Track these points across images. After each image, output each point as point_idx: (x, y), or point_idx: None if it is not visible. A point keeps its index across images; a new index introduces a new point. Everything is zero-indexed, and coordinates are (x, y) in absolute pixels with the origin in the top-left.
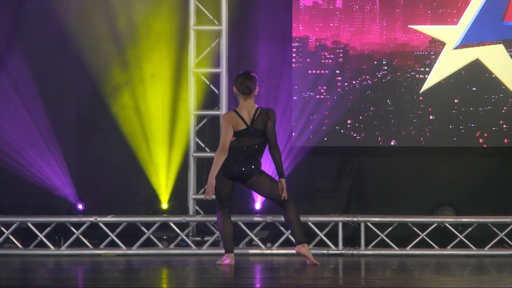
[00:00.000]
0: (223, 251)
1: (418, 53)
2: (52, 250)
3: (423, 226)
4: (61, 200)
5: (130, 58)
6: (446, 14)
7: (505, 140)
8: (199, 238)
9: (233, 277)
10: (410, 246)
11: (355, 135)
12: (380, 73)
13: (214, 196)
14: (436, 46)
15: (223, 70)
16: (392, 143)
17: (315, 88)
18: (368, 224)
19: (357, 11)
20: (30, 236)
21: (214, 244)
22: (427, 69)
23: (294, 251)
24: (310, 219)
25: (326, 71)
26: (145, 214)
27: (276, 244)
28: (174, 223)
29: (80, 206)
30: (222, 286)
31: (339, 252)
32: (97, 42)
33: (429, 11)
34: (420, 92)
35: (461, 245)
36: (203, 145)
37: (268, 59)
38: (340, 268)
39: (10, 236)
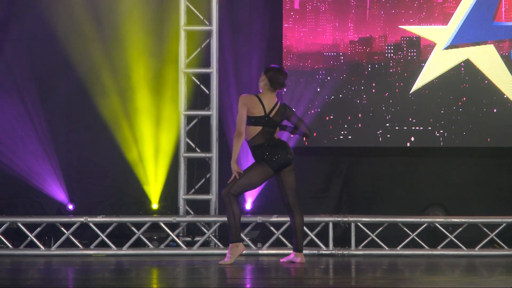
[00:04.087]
0: (213, 251)
1: (408, 53)
2: (42, 250)
3: (413, 226)
4: (51, 201)
5: (120, 57)
6: (400, 14)
7: (494, 140)
8: (190, 239)
9: (223, 277)
10: (400, 246)
11: (345, 135)
12: (372, 73)
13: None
14: (423, 47)
15: (213, 70)
16: (383, 143)
17: (304, 88)
18: (359, 224)
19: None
20: (20, 236)
21: (205, 245)
22: (417, 69)
23: (284, 251)
24: None
25: (316, 71)
26: (136, 214)
27: (267, 244)
28: (165, 224)
29: (70, 207)
30: (212, 287)
31: (329, 252)
32: (86, 42)
33: (382, 12)
34: (411, 92)
35: (451, 245)
36: (193, 145)
37: (260, 60)
38: (330, 269)
39: (0, 236)
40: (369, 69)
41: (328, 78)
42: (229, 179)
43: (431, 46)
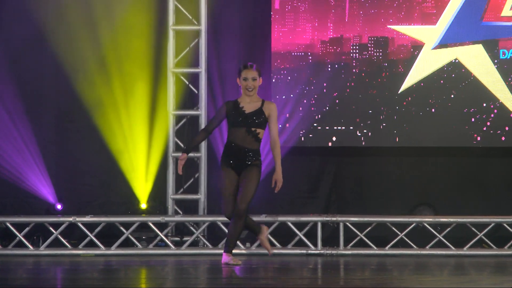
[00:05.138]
0: (202, 251)
1: (374, 53)
2: (31, 250)
3: (401, 226)
4: (39, 200)
5: (108, 58)
6: (380, 14)
7: (484, 140)
8: (178, 238)
9: (212, 277)
10: (389, 246)
11: (334, 135)
12: (361, 73)
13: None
14: (397, 47)
15: (202, 70)
16: (372, 143)
17: (293, 88)
18: (347, 224)
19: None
20: (9, 236)
21: (193, 244)
22: (404, 69)
23: (274, 251)
24: (289, 219)
25: (305, 71)
26: (124, 214)
27: (255, 244)
28: (153, 223)
29: (59, 206)
30: (201, 287)
31: (318, 252)
32: (74, 42)
33: (361, 12)
34: (399, 92)
35: (440, 245)
36: (182, 145)
37: (249, 60)
38: (319, 268)
39: None
40: (329, 69)
41: (289, 78)
42: (220, 182)
43: (404, 46)
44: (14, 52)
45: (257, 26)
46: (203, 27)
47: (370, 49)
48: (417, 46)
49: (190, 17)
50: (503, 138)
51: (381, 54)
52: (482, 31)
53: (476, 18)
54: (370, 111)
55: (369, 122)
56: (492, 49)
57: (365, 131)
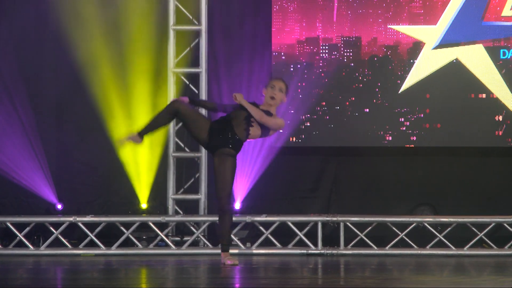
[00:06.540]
0: (202, 251)
1: (344, 53)
2: (31, 250)
3: (402, 226)
4: (40, 200)
5: (108, 57)
6: (368, 14)
7: (484, 140)
8: (179, 238)
9: (213, 277)
10: (389, 245)
11: (334, 135)
12: (361, 73)
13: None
14: (379, 47)
15: (202, 70)
16: (371, 143)
17: (293, 87)
18: (347, 223)
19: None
20: (9, 236)
21: (194, 244)
22: (407, 69)
23: (274, 251)
24: (290, 219)
25: (304, 69)
26: (125, 214)
27: (256, 244)
28: (154, 223)
29: (59, 206)
30: (201, 287)
31: (318, 252)
32: (76, 40)
33: (349, 12)
34: (399, 92)
35: (440, 245)
36: (182, 145)
37: (248, 59)
38: (319, 268)
39: None
40: (291, 69)
41: (316, 77)
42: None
43: (386, 46)
44: (16, 49)
45: (257, 26)
46: (203, 27)
47: (340, 48)
48: (391, 46)
49: (191, 17)
50: (508, 139)
51: (351, 54)
52: (483, 31)
53: (477, 18)
54: (368, 110)
55: (368, 122)
56: (492, 49)
57: (366, 131)
